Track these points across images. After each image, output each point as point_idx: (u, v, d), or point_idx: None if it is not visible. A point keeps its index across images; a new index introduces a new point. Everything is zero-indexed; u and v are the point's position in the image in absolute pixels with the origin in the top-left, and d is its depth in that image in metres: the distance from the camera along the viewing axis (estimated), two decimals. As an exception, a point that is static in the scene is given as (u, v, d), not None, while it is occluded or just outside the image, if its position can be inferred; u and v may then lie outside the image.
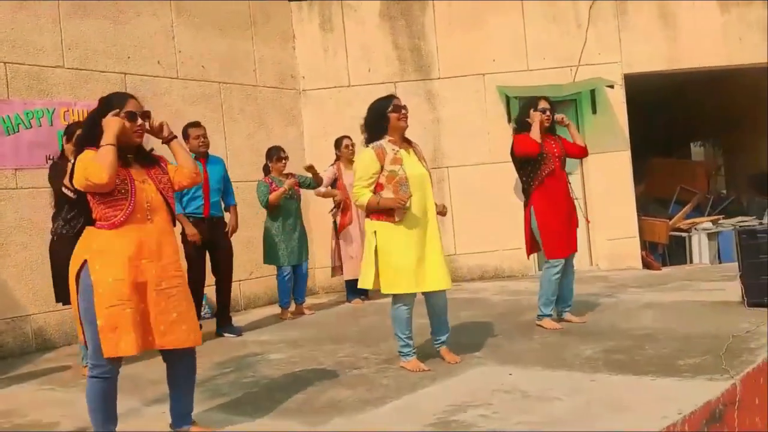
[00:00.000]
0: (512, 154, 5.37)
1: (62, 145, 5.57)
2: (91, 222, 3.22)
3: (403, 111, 4.41)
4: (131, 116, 3.23)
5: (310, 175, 7.04)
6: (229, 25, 8.15)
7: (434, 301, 4.49)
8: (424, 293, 4.45)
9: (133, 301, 3.11)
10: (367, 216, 4.42)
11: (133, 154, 3.31)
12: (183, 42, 7.68)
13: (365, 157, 4.35)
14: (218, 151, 6.99)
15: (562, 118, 5.44)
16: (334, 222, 7.44)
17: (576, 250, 5.50)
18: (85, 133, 3.29)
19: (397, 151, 4.37)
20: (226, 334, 6.16)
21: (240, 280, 7.57)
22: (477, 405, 3.61)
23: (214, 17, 7.99)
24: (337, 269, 7.45)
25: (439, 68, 8.83)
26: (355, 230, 7.32)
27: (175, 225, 3.38)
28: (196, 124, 6.29)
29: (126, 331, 3.08)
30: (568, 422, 3.29)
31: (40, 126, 6.58)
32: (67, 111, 6.75)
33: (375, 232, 4.33)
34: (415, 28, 8.86)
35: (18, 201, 6.38)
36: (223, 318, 6.30)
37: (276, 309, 7.25)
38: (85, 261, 3.13)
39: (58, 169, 5.24)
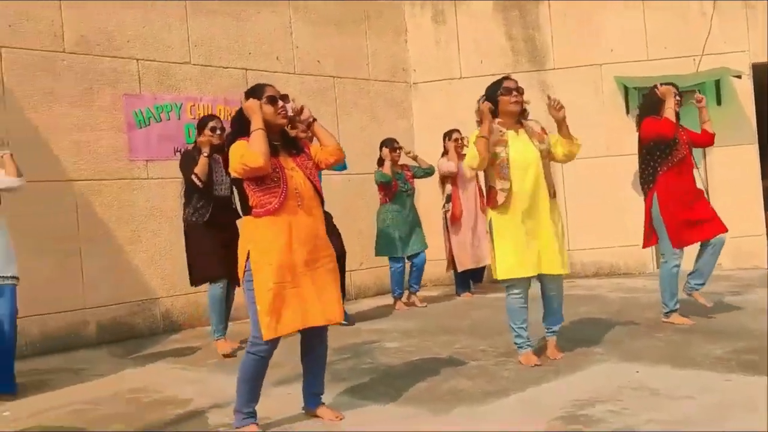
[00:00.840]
0: (640, 140, 5.23)
1: (193, 138, 5.83)
2: (248, 210, 3.37)
3: (515, 93, 4.31)
4: (272, 100, 3.38)
5: (417, 164, 7.14)
6: (344, 20, 8.30)
7: (548, 285, 4.41)
8: (540, 280, 4.38)
9: (288, 283, 3.27)
10: (487, 206, 4.42)
11: (279, 142, 3.44)
12: (300, 38, 7.89)
13: (471, 138, 4.34)
14: (333, 144, 7.15)
15: (702, 99, 5.24)
16: (445, 218, 7.43)
17: (713, 235, 5.21)
18: (236, 127, 3.47)
19: (504, 133, 4.30)
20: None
21: (351, 271, 7.69)
22: (604, 401, 3.53)
23: (330, 13, 8.16)
24: (449, 264, 7.45)
25: (554, 59, 8.65)
26: (468, 221, 7.29)
27: (323, 205, 3.53)
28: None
29: (283, 313, 3.25)
30: (701, 422, 3.17)
31: (169, 120, 6.93)
32: (194, 105, 7.07)
33: (491, 219, 4.32)
34: (529, 18, 8.71)
35: (149, 190, 6.75)
36: None
37: (386, 299, 7.34)
38: (249, 251, 3.32)
39: (189, 160, 5.51)
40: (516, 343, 4.43)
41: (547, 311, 4.51)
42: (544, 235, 4.27)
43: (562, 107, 4.29)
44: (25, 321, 5.60)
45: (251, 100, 3.39)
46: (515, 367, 4.33)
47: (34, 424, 3.87)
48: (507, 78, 4.42)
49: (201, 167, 5.30)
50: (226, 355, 5.28)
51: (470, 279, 7.61)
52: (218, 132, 5.48)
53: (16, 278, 4.53)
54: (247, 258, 3.34)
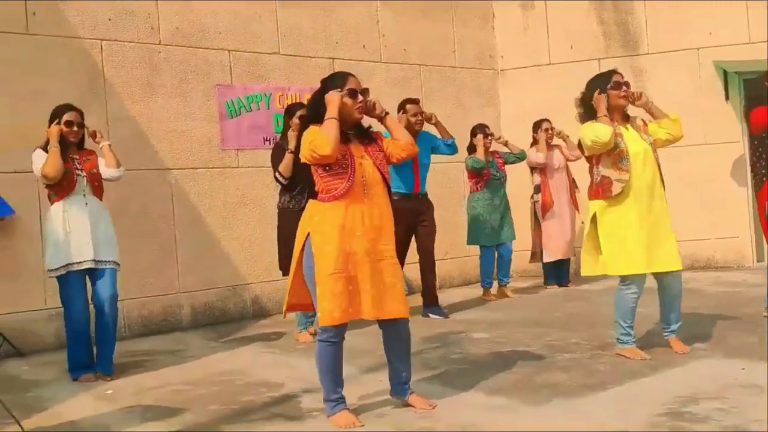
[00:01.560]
0: (751, 130, 4.97)
1: (282, 127, 5.88)
2: (314, 195, 3.38)
3: (625, 88, 4.21)
4: (352, 93, 3.36)
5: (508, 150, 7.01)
6: (430, 7, 8.23)
7: (669, 282, 4.24)
8: (656, 277, 4.22)
9: (346, 271, 3.26)
10: (589, 197, 4.27)
11: (353, 131, 3.43)
12: (387, 26, 7.88)
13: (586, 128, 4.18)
14: (419, 132, 7.11)
15: None
16: (533, 208, 7.27)
17: None
18: (310, 112, 3.47)
19: (616, 126, 4.18)
20: (432, 315, 6.15)
21: (436, 260, 7.65)
22: (710, 398, 3.37)
23: (416, 1, 8.10)
24: (536, 255, 7.30)
25: (648, 43, 8.33)
26: (557, 211, 7.12)
27: (390, 199, 3.47)
28: (415, 101, 6.40)
29: (339, 299, 3.23)
30: (819, 424, 2.97)
31: (259, 109, 7.06)
32: (282, 95, 7.17)
33: (595, 213, 4.17)
34: (622, 1, 8.41)
35: (239, 179, 6.90)
36: (430, 298, 6.31)
37: (471, 289, 7.27)
38: (309, 233, 3.33)
39: (278, 153, 5.53)
40: (620, 340, 4.28)
41: (667, 309, 4.31)
42: (662, 229, 4.14)
43: (641, 94, 4.24)
44: (125, 304, 5.84)
45: (333, 93, 3.33)
46: (611, 360, 4.20)
47: (135, 403, 4.02)
48: (615, 72, 4.29)
49: (285, 165, 5.29)
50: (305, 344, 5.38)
51: (558, 270, 7.43)
52: None
53: (117, 263, 4.71)
54: (306, 238, 3.33)
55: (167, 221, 6.49)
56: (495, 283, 7.08)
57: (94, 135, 4.72)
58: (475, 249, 7.18)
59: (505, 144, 7.10)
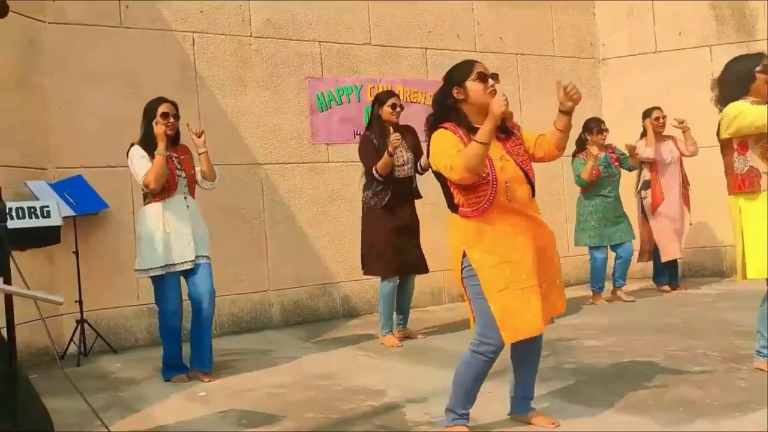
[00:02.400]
0: None
1: (369, 118, 5.59)
2: (453, 207, 3.05)
3: None
4: (482, 77, 3.00)
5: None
6: (527, -7, 7.82)
7: None
8: None
9: (519, 281, 2.92)
10: (730, 191, 3.80)
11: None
12: (481, 14, 7.51)
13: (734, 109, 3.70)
14: (517, 125, 6.72)
15: None
16: (641, 205, 6.75)
17: None
18: (438, 110, 3.09)
19: None
20: None
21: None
22: None
23: (513, -14, 7.71)
24: (645, 254, 6.79)
25: (765, 29, 7.64)
26: (669, 209, 6.57)
27: (534, 195, 3.08)
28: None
29: (521, 313, 2.91)
30: None
31: (349, 102, 6.83)
32: (373, 87, 6.91)
33: (740, 209, 3.70)
34: (737, -18, 7.77)
35: (329, 174, 6.69)
36: None
37: (573, 291, 6.83)
38: (464, 252, 3.00)
39: (368, 146, 5.27)
40: (760, 352, 3.78)
41: None
42: None
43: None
44: (216, 300, 5.69)
45: (494, 102, 2.87)
46: (751, 376, 3.72)
47: (229, 407, 3.82)
48: (764, 55, 3.80)
49: (383, 166, 5.03)
50: (398, 347, 5.12)
51: (670, 271, 6.87)
52: (398, 110, 5.24)
53: (209, 258, 4.55)
54: (463, 255, 3.00)
55: (257, 217, 6.34)
56: (608, 287, 6.57)
57: (199, 134, 4.49)
58: (577, 248, 6.73)
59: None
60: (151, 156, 4.35)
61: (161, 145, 4.28)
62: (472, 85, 3.00)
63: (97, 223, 5.64)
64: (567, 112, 2.98)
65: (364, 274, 5.45)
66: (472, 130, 2.96)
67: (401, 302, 5.37)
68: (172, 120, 4.43)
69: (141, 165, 4.37)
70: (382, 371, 4.43)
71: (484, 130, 2.84)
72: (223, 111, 6.22)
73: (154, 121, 4.34)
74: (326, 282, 6.62)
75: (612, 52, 8.22)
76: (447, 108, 3.03)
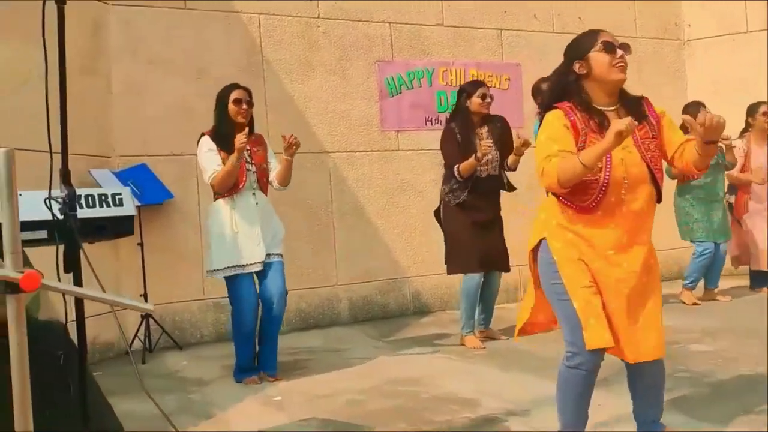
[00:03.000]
0: None
1: (445, 106, 5.20)
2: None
3: None
4: (608, 47, 2.53)
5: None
6: (608, -30, 7.32)
7: None
8: None
9: (595, 287, 2.50)
10: None
11: (614, 105, 2.57)
12: (559, -8, 7.06)
13: None
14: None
15: None
16: (730, 204, 6.18)
17: None
18: (555, 88, 2.64)
19: None
20: None
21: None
22: None
23: (592, -37, 7.22)
24: (736, 259, 6.24)
25: None
26: (760, 213, 6.00)
27: (659, 201, 2.59)
28: None
29: (603, 318, 2.47)
30: None
31: (420, 87, 6.46)
32: (446, 71, 6.54)
33: None
34: (844, -47, 7.14)
35: (399, 163, 6.34)
36: None
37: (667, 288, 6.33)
38: (543, 239, 2.60)
39: (450, 140, 4.88)
40: None
41: None
42: None
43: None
44: (284, 296, 5.42)
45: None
46: None
47: (309, 415, 3.52)
48: None
49: (467, 168, 4.67)
50: (478, 349, 4.77)
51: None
52: (488, 100, 4.84)
53: (281, 256, 4.25)
54: (539, 244, 2.60)
55: (325, 208, 6.04)
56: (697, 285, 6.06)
57: (291, 145, 4.09)
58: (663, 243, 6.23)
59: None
60: (221, 148, 4.08)
61: (235, 155, 3.95)
62: (597, 57, 2.53)
63: (161, 214, 5.41)
64: (712, 142, 2.41)
65: (448, 273, 5.06)
66: (592, 112, 2.54)
67: (485, 301, 5.00)
68: (245, 107, 4.14)
69: (209, 161, 4.09)
70: (469, 377, 4.07)
71: (594, 152, 2.36)
72: (289, 96, 5.93)
73: (237, 137, 3.95)
74: (396, 277, 6.28)
75: (698, 33, 7.66)
76: (566, 85, 2.59)
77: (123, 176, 5.07)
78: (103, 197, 2.42)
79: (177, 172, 5.44)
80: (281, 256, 4.23)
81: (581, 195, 2.49)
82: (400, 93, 6.37)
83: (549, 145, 2.50)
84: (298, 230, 5.79)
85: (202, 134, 4.20)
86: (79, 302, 2.29)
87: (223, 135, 4.12)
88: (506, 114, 5.18)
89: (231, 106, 4.13)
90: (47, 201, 2.01)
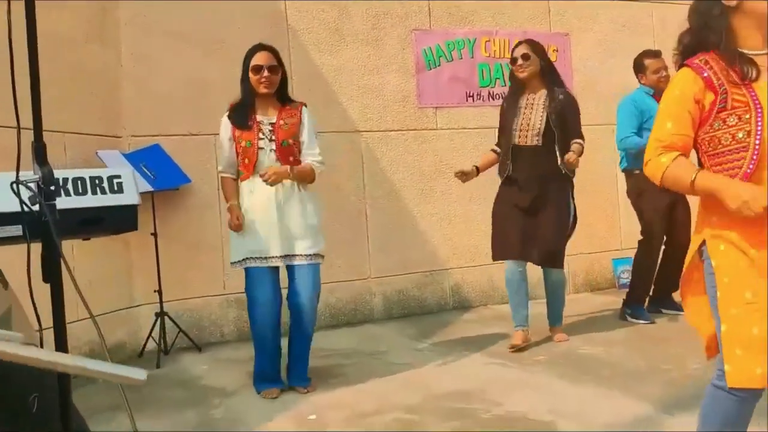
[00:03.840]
0: None
1: (487, 80, 4.63)
2: (699, 165, 2.09)
3: None
4: None
5: None
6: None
7: None
8: None
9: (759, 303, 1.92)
10: None
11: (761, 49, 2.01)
12: (613, -47, 6.38)
13: None
14: (665, 83, 5.61)
15: None
16: None
17: None
18: (696, 30, 2.04)
19: None
20: (630, 318, 4.83)
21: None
22: None
23: None
24: None
25: None
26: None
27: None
28: (657, 54, 4.95)
29: (759, 350, 1.90)
30: None
31: (461, 58, 5.85)
32: (489, 41, 5.92)
33: None
34: None
35: (437, 143, 5.75)
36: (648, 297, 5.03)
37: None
38: (704, 241, 2.04)
39: (501, 107, 4.41)
40: None
41: None
42: None
43: None
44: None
45: None
46: None
47: (351, 438, 2.97)
48: None
49: (485, 164, 4.48)
50: (513, 348, 4.22)
51: None
52: (519, 62, 4.24)
53: (320, 255, 3.67)
54: (701, 246, 2.05)
55: (357, 193, 5.47)
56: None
57: (266, 180, 3.47)
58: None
59: None
60: (236, 126, 3.55)
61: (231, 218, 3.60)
62: None
63: (176, 200, 4.87)
64: None
65: (494, 259, 4.51)
66: (738, 62, 1.96)
67: (547, 294, 4.47)
68: (266, 74, 3.55)
69: (221, 150, 3.67)
70: (534, 391, 3.49)
71: (710, 186, 1.95)
72: (317, 70, 5.35)
73: (228, 206, 3.62)
74: (434, 269, 5.71)
75: None
76: (710, 24, 2.01)
77: (134, 158, 4.53)
78: (96, 181, 1.86)
79: (194, 153, 4.90)
80: (316, 257, 3.62)
81: (727, 165, 1.96)
82: (439, 66, 5.76)
83: (663, 121, 2.03)
84: (326, 218, 5.18)
85: (226, 113, 3.67)
86: (58, 312, 1.73)
87: (241, 109, 3.56)
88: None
89: (251, 75, 3.56)
90: (14, 186, 1.45)
